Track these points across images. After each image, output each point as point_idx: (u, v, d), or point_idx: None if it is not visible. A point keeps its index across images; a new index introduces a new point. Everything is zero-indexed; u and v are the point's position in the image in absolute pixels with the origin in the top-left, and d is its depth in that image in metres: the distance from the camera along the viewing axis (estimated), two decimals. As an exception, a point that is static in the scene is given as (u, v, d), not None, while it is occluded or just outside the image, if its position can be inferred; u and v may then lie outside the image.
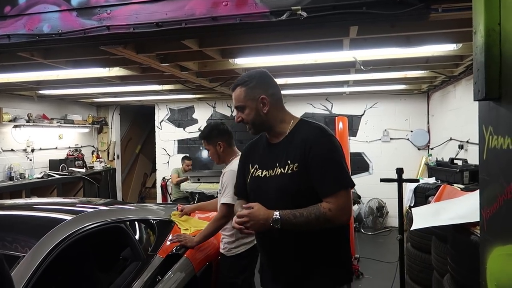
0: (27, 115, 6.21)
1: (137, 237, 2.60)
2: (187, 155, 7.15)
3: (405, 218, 4.20)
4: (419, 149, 6.69)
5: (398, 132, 6.80)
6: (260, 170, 1.72)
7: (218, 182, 2.62)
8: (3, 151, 5.88)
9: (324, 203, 1.54)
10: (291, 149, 1.63)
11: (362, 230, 6.51)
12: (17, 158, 6.14)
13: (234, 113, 1.82)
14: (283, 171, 1.62)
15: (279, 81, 5.10)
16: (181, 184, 6.27)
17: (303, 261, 1.62)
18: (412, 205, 3.67)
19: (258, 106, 1.67)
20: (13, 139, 6.05)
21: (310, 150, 1.58)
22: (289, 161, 1.61)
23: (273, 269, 1.73)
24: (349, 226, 1.77)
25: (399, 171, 2.69)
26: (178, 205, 3.08)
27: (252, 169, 1.76)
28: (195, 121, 7.62)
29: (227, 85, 5.41)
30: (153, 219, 2.75)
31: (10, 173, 5.83)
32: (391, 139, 6.83)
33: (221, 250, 2.60)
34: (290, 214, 1.53)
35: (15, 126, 6.03)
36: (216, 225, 2.49)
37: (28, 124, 6.19)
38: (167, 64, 3.56)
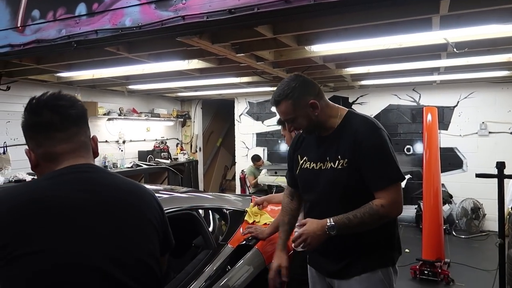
0: (119, 109, 6.72)
1: (210, 225, 2.62)
2: (257, 154, 6.97)
3: (507, 221, 3.69)
4: (524, 144, 5.87)
5: (498, 125, 6.03)
6: (309, 162, 1.75)
7: None
8: (99, 142, 6.41)
9: (376, 200, 1.57)
10: (342, 144, 1.65)
11: (453, 233, 5.92)
12: (111, 149, 6.68)
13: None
14: (333, 165, 1.64)
15: (360, 69, 4.82)
16: (258, 177, 6.29)
17: (350, 245, 1.65)
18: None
19: (309, 111, 1.67)
20: (107, 131, 6.59)
21: (360, 146, 1.59)
22: (339, 157, 1.63)
23: (322, 253, 1.76)
24: None
25: (500, 165, 2.32)
26: (252, 197, 3.05)
27: (301, 160, 1.80)
28: (273, 114, 7.58)
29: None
30: (227, 209, 2.74)
31: (105, 162, 6.36)
32: (489, 132, 6.09)
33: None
34: (344, 218, 1.56)
35: (109, 119, 6.56)
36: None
37: (119, 117, 6.69)
38: (243, 54, 3.53)
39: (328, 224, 1.55)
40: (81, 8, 2.95)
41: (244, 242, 2.40)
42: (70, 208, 1.01)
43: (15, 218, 0.95)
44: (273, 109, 7.55)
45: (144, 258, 1.09)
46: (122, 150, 6.90)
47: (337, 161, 1.63)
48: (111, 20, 2.82)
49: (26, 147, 1.13)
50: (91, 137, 1.20)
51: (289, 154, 1.96)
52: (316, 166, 1.70)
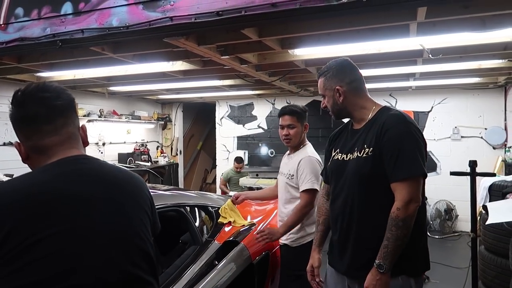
0: (99, 110, 6.66)
1: (196, 222, 2.66)
2: (241, 157, 7.06)
3: (478, 222, 3.87)
4: (494, 148, 6.15)
5: (470, 129, 6.31)
6: (340, 154, 1.79)
7: (275, 178, 2.58)
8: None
9: (393, 207, 1.54)
10: (370, 135, 1.67)
11: (428, 233, 6.11)
12: (90, 151, 6.59)
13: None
14: (359, 154, 1.67)
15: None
16: (240, 179, 6.33)
17: (372, 248, 1.58)
18: (486, 204, 3.36)
19: (335, 95, 1.77)
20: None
21: (384, 135, 1.59)
22: (365, 146, 1.66)
23: (342, 249, 1.73)
24: (424, 216, 1.70)
25: (473, 163, 2.47)
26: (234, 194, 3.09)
27: (334, 153, 1.85)
28: (254, 118, 7.67)
29: (286, 80, 5.38)
30: (212, 207, 2.79)
31: (84, 164, 6.27)
32: (462, 137, 6.36)
33: (283, 241, 2.53)
34: (382, 248, 1.53)
35: (89, 121, 6.48)
36: (300, 214, 2.40)
37: (100, 119, 6.62)
38: (227, 57, 3.60)
39: (375, 266, 1.54)
40: (67, 7, 2.95)
41: (231, 238, 2.46)
42: (70, 199, 1.02)
43: (14, 214, 0.94)
44: (254, 112, 7.65)
45: (141, 244, 1.12)
46: (102, 152, 6.82)
47: (363, 150, 1.65)
48: (98, 20, 2.83)
49: (16, 139, 1.12)
50: (80, 126, 1.19)
51: (325, 151, 2.00)
52: (346, 157, 1.74)
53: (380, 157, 1.59)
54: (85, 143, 1.20)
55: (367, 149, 1.64)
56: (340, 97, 1.75)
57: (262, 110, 7.62)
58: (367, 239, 1.62)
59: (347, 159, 1.73)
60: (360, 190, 1.65)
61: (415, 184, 1.54)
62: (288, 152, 2.72)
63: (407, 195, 1.52)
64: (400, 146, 1.56)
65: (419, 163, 1.55)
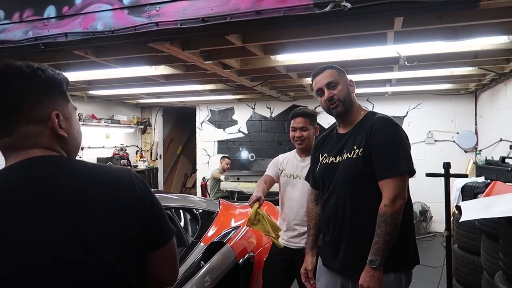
0: (78, 114, 6.56)
1: (181, 224, 2.69)
2: (227, 155, 7.25)
3: (452, 222, 4.03)
4: (465, 151, 6.41)
5: (443, 134, 6.56)
6: (328, 158, 1.84)
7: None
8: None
9: (380, 205, 1.61)
10: (359, 137, 1.74)
11: (404, 234, 6.31)
12: (68, 156, 6.48)
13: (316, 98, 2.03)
14: (349, 155, 1.73)
15: (320, 80, 5.08)
16: (221, 183, 6.37)
17: (365, 247, 1.63)
18: (459, 204, 3.52)
19: (349, 86, 1.84)
20: (65, 137, 6.40)
21: (374, 136, 1.67)
22: (355, 147, 1.72)
23: (335, 248, 1.78)
24: (412, 213, 1.77)
25: (446, 165, 2.61)
26: (220, 200, 3.12)
27: (321, 157, 1.90)
28: (234, 122, 7.73)
29: (267, 85, 5.47)
30: (196, 209, 2.83)
31: (62, 169, 6.16)
32: (435, 141, 6.60)
33: (303, 245, 2.46)
34: (373, 245, 1.59)
35: (67, 125, 6.38)
36: None
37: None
38: (211, 62, 3.65)
39: (368, 262, 1.59)
40: (50, 11, 2.94)
41: (217, 240, 2.50)
42: (7, 214, 0.84)
43: None
44: (235, 116, 7.70)
45: (77, 272, 0.86)
46: (80, 157, 6.72)
47: (352, 151, 1.72)
48: (82, 24, 2.84)
49: None
50: (49, 115, 0.94)
51: (311, 157, 2.07)
52: (335, 160, 1.79)
53: (369, 157, 1.66)
54: (60, 136, 0.96)
55: (357, 150, 1.70)
56: (352, 89, 1.84)
57: (242, 115, 7.69)
58: (360, 237, 1.67)
59: (337, 161, 1.78)
60: (351, 189, 1.71)
61: (400, 181, 1.61)
62: (297, 155, 2.61)
63: (393, 192, 1.59)
64: (388, 147, 1.64)
65: (404, 161, 1.63)
